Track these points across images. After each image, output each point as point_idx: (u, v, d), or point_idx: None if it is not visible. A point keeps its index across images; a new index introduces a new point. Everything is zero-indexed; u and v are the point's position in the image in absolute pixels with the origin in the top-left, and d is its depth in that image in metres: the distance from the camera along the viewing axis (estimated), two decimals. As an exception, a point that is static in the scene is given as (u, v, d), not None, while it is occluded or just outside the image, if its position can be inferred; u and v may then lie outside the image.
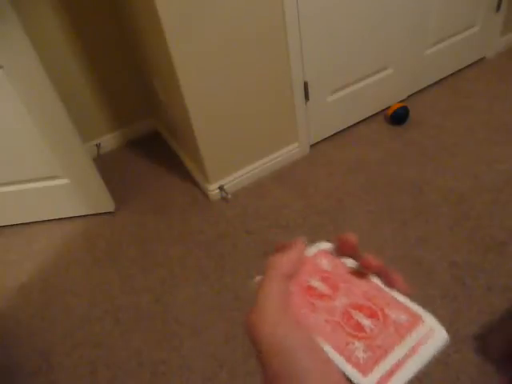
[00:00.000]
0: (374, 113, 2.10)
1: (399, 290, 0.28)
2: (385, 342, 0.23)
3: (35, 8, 1.81)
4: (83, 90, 2.11)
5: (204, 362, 1.28)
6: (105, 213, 1.89)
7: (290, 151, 1.92)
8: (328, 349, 0.23)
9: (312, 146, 2.00)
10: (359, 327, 0.24)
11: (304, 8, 1.56)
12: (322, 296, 0.27)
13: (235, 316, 1.38)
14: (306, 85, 1.77)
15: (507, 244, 1.40)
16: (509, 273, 1.32)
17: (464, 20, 2.10)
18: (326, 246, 0.31)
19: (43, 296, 1.59)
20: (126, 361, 1.33)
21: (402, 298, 0.27)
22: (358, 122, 2.08)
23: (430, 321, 0.26)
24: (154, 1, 1.27)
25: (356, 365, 0.22)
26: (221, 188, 1.80)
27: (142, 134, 2.38)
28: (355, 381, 0.21)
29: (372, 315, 0.25)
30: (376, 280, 0.28)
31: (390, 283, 0.28)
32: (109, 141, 2.31)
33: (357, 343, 0.23)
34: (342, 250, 0.30)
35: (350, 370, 0.22)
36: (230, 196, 1.80)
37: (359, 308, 0.26)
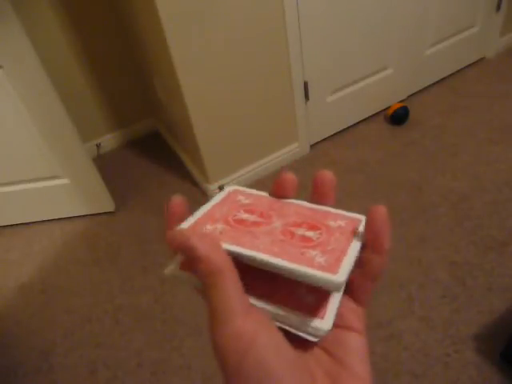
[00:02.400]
0: (374, 113, 2.10)
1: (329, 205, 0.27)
2: (337, 245, 0.23)
3: (35, 8, 1.81)
4: (83, 89, 2.11)
5: (204, 361, 1.28)
6: (105, 213, 1.89)
7: (290, 151, 1.92)
8: (286, 263, 0.21)
9: (312, 145, 2.00)
10: (306, 239, 0.23)
11: (304, 8, 1.56)
12: (256, 224, 0.25)
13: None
14: (306, 85, 1.77)
15: (507, 244, 1.40)
16: (509, 273, 1.32)
17: (464, 20, 2.10)
18: (234, 187, 0.29)
19: (43, 296, 1.59)
20: (126, 361, 1.33)
21: (334, 210, 0.27)
22: (358, 122, 2.08)
23: (362, 218, 0.26)
24: (155, 1, 1.27)
25: (321, 268, 0.21)
26: (221, 188, 1.80)
27: (142, 134, 2.38)
28: (329, 279, 0.20)
29: (313, 228, 0.24)
30: (302, 202, 0.27)
31: (320, 200, 0.27)
32: (109, 141, 2.31)
33: (312, 251, 0.22)
34: (277, 193, 0.28)
35: (319, 274, 0.20)
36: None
37: (298, 225, 0.25)
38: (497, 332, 1.18)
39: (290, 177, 0.28)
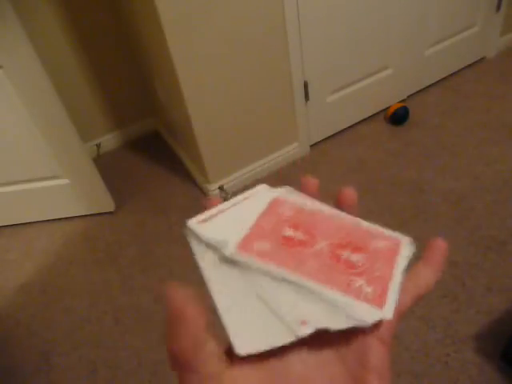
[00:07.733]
0: (374, 113, 2.10)
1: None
2: (382, 272, 0.23)
3: (35, 8, 1.81)
4: (83, 89, 2.11)
5: (204, 361, 1.28)
6: (105, 213, 1.89)
7: (290, 151, 1.92)
8: (337, 295, 0.21)
9: (312, 145, 2.00)
10: (351, 265, 0.23)
11: (304, 8, 1.56)
12: (302, 243, 0.25)
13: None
14: (306, 85, 1.77)
15: (507, 244, 1.40)
16: (509, 273, 1.32)
17: (464, 20, 2.10)
18: (274, 191, 0.28)
19: (43, 296, 1.59)
20: (125, 361, 1.33)
21: (375, 227, 0.27)
22: (358, 122, 2.08)
23: (403, 239, 0.26)
24: (154, 1, 1.27)
25: (368, 301, 0.21)
26: (221, 188, 1.80)
27: (142, 133, 2.38)
28: (375, 317, 0.20)
29: (358, 250, 0.24)
30: (340, 212, 0.27)
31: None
32: (109, 141, 2.31)
33: (358, 279, 0.22)
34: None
35: (366, 308, 0.21)
36: (230, 196, 1.80)
37: (343, 246, 0.24)
38: (497, 332, 1.18)
39: (314, 181, 0.28)
